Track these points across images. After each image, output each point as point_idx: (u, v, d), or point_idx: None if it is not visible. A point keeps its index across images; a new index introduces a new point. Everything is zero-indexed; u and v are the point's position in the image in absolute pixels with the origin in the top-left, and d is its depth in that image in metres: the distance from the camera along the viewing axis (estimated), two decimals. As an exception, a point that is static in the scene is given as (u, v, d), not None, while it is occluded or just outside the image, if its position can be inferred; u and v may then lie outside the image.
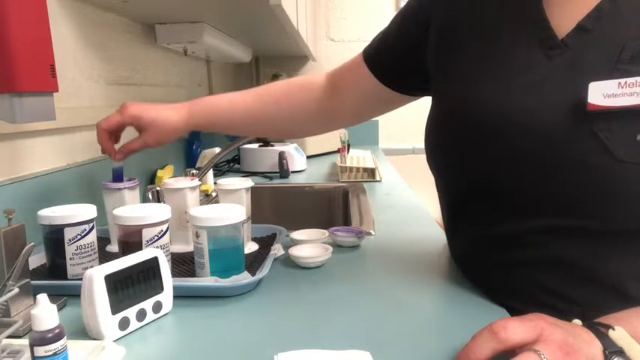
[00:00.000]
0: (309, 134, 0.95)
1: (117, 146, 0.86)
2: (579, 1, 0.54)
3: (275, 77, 2.46)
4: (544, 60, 0.55)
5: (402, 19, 0.76)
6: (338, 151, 1.78)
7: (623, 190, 0.50)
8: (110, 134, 0.83)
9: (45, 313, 0.44)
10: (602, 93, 0.49)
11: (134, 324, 0.56)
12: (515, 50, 0.58)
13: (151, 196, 1.05)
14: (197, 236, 0.68)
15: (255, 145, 1.80)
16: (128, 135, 0.86)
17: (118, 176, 0.85)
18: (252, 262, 0.76)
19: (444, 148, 0.65)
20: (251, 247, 0.84)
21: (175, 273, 0.73)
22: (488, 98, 0.58)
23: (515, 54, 0.57)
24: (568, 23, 0.54)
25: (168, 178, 0.89)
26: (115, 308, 0.54)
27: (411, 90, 0.79)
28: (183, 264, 0.77)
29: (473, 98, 0.60)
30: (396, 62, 0.77)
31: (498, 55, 0.59)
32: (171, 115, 0.84)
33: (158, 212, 0.67)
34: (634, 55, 0.49)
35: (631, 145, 0.49)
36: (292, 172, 1.70)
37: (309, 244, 0.82)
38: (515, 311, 0.58)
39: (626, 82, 0.48)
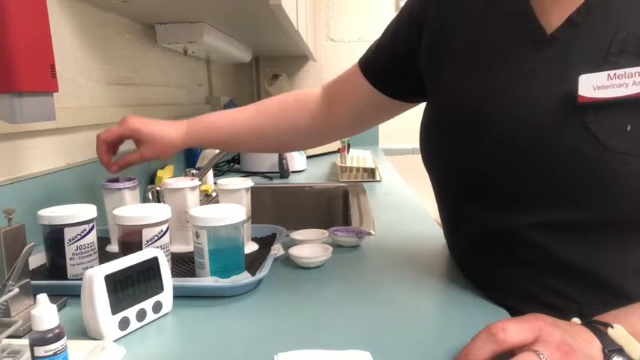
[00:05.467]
0: (309, 147, 0.97)
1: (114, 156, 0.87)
2: None
3: (275, 77, 2.46)
4: (533, 54, 0.55)
5: (396, 26, 0.77)
6: (338, 151, 1.78)
7: (616, 180, 0.50)
8: (109, 146, 0.85)
9: (45, 313, 0.44)
10: (592, 85, 0.49)
11: (134, 324, 0.56)
12: (505, 46, 0.58)
13: (150, 196, 1.05)
14: (197, 236, 0.68)
15: (255, 145, 1.80)
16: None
17: None
18: (252, 262, 0.76)
19: (437, 146, 0.66)
20: (251, 247, 0.84)
21: (175, 273, 0.73)
22: (478, 94, 0.59)
23: (505, 49, 0.58)
24: (557, 18, 0.55)
25: (168, 178, 0.89)
26: (115, 308, 0.54)
27: (408, 96, 0.80)
28: (183, 264, 0.77)
29: (463, 95, 0.61)
30: (392, 69, 0.78)
31: (488, 51, 0.60)
32: (170, 130, 0.85)
33: (158, 212, 0.67)
34: (623, 47, 0.50)
35: (621, 136, 0.49)
36: (292, 172, 1.70)
37: (309, 244, 0.82)
38: (513, 309, 0.58)
39: (615, 74, 0.49)
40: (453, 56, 0.64)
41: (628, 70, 0.48)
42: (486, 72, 0.59)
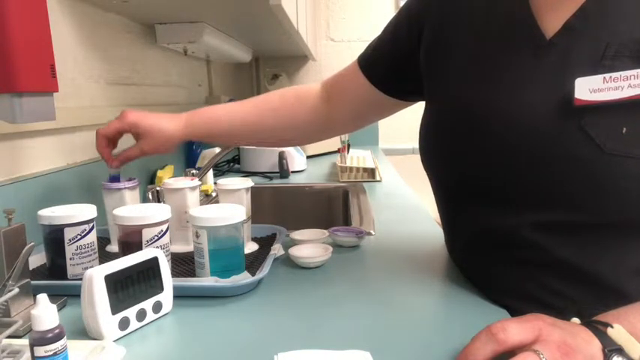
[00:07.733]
0: (307, 142, 0.97)
1: (114, 151, 0.86)
2: (566, 2, 0.55)
3: (275, 77, 2.46)
4: (532, 59, 0.56)
5: (395, 25, 0.77)
6: (338, 151, 1.78)
7: (612, 182, 0.51)
8: (108, 141, 0.84)
9: (45, 313, 0.44)
10: (588, 88, 0.50)
11: (134, 324, 0.56)
12: (504, 50, 0.59)
13: (150, 196, 1.05)
14: (197, 236, 0.68)
15: (255, 145, 1.80)
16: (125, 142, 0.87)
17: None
18: (252, 262, 0.76)
19: (436, 147, 0.66)
20: (251, 247, 0.84)
21: (175, 273, 0.73)
22: (477, 97, 0.59)
23: (505, 53, 0.59)
24: (555, 23, 0.55)
25: (168, 178, 0.89)
26: (115, 308, 0.54)
27: (406, 95, 0.80)
28: (183, 264, 0.77)
29: (463, 97, 0.61)
30: (391, 67, 0.78)
31: (488, 55, 0.60)
32: (168, 123, 0.85)
33: (158, 212, 0.67)
34: (618, 50, 0.50)
35: (617, 138, 0.50)
36: (292, 172, 1.70)
37: (309, 244, 0.82)
38: (513, 309, 0.59)
39: (610, 77, 0.49)
40: (452, 58, 0.65)
41: (623, 74, 0.49)
42: (486, 75, 0.60)
